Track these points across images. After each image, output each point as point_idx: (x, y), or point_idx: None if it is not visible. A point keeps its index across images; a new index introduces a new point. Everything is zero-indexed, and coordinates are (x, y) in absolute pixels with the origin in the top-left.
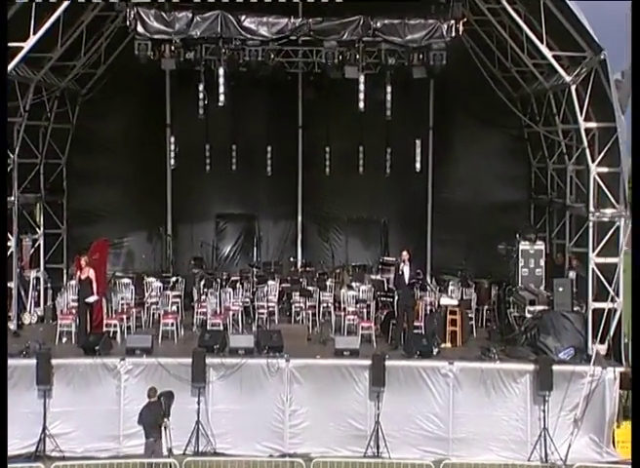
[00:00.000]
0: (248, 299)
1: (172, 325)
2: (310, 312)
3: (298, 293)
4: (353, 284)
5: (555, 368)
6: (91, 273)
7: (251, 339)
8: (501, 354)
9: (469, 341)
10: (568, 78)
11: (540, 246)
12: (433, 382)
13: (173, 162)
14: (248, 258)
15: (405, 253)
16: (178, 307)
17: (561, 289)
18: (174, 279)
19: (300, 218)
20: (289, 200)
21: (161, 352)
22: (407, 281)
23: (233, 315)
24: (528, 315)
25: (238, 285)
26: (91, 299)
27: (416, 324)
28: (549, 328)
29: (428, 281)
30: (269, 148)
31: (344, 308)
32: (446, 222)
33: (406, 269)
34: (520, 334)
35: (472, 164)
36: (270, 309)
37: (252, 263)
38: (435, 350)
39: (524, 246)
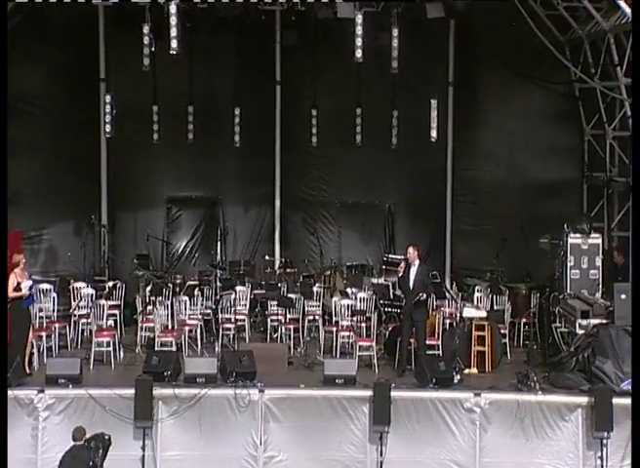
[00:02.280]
0: (209, 311)
1: (107, 345)
2: (292, 327)
3: (275, 303)
4: (348, 290)
5: (616, 401)
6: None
7: (213, 363)
8: (545, 383)
9: (502, 366)
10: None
11: (597, 239)
12: (454, 420)
13: (109, 128)
14: (209, 257)
15: (411, 249)
16: (116, 322)
17: (624, 296)
18: (110, 284)
19: (278, 204)
20: (264, 179)
21: (93, 381)
22: (411, 286)
23: (190, 331)
24: (579, 331)
25: (197, 291)
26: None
27: (431, 342)
28: (608, 348)
29: (447, 286)
30: (237, 111)
31: (337, 322)
32: (471, 209)
33: (413, 272)
34: (569, 357)
35: (505, 131)
36: (239, 324)
37: (215, 263)
38: (457, 377)
39: (574, 239)
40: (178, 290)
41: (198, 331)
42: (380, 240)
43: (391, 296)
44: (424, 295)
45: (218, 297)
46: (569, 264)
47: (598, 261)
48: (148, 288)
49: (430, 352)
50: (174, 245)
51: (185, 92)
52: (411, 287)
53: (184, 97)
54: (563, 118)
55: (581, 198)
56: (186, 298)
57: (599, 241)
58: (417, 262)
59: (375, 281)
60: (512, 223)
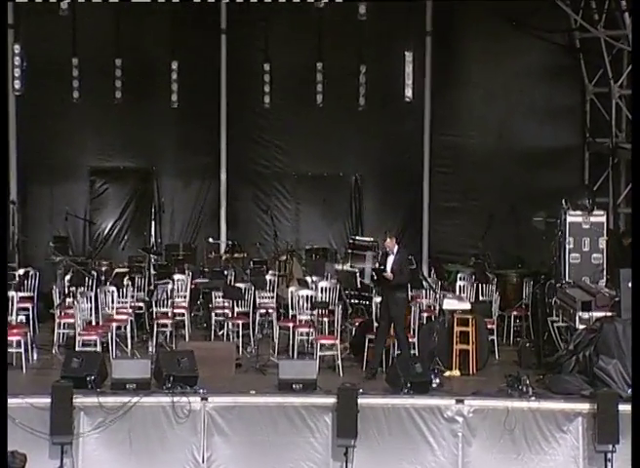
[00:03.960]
0: (142, 304)
1: (18, 345)
2: (240, 323)
3: (221, 294)
4: (308, 278)
5: (623, 408)
6: None
7: (146, 367)
8: (539, 387)
9: (488, 367)
10: None
11: (600, 217)
12: (432, 431)
13: (18, 85)
14: (141, 239)
15: (388, 240)
16: (28, 317)
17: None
18: (21, 272)
19: (223, 177)
20: (206, 147)
21: None
22: (390, 275)
23: (118, 328)
24: (580, 326)
25: (126, 281)
26: None
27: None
28: (613, 346)
29: (425, 273)
30: (175, 65)
31: (294, 316)
32: (452, 182)
33: (390, 261)
34: (568, 356)
35: (494, 90)
36: (178, 319)
37: (148, 247)
38: (435, 381)
39: (574, 217)
40: (103, 278)
41: (128, 327)
42: (346, 219)
43: (358, 286)
44: (390, 274)
45: (152, 288)
46: (568, 247)
47: (602, 243)
48: (67, 276)
49: (405, 352)
50: (98, 225)
51: (111, 42)
52: (390, 277)
53: (110, 47)
54: (561, 74)
55: (583, 168)
56: (114, 289)
57: (603, 219)
58: (395, 249)
59: (339, 267)
60: (501, 199)
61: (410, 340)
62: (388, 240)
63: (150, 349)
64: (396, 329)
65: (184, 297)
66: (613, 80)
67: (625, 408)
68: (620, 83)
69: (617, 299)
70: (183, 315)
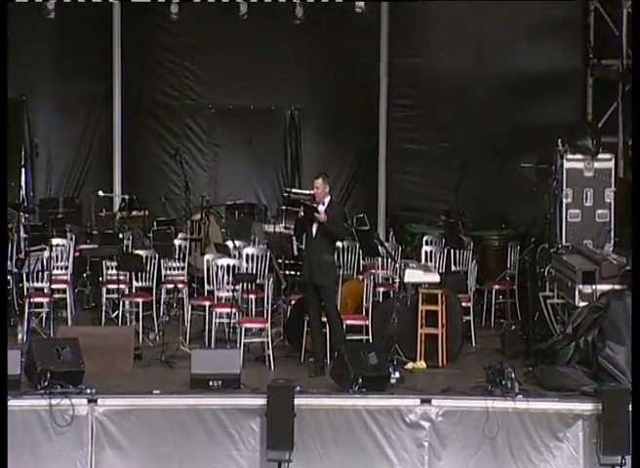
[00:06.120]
0: (9, 278)
1: None
2: (140, 301)
3: (114, 264)
4: (229, 243)
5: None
6: None
7: (15, 360)
8: (528, 382)
9: (463, 357)
10: None
11: (607, 162)
12: (390, 440)
13: None
14: (9, 192)
15: (320, 181)
16: None
17: None
18: None
19: (117, 110)
20: (94, 71)
21: None
22: (314, 234)
23: None
24: (580, 303)
25: None
26: None
27: (355, 322)
28: (623, 329)
29: (381, 235)
30: None
31: (211, 293)
32: (416, 118)
33: (321, 211)
34: (565, 342)
35: None
36: (57, 297)
37: (17, 202)
38: (394, 375)
39: (574, 163)
40: None
41: None
42: (279, 166)
43: (295, 253)
44: (324, 214)
45: (22, 256)
46: (565, 201)
47: (609, 196)
48: None
49: (354, 337)
50: None
51: None
52: (314, 235)
53: None
54: None
55: (584, 99)
56: None
57: (611, 164)
58: (326, 200)
59: (270, 229)
60: (479, 139)
61: (360, 323)
62: (320, 181)
63: (20, 337)
64: (327, 303)
65: (66, 269)
66: None
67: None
68: None
69: (628, 269)
70: (65, 292)
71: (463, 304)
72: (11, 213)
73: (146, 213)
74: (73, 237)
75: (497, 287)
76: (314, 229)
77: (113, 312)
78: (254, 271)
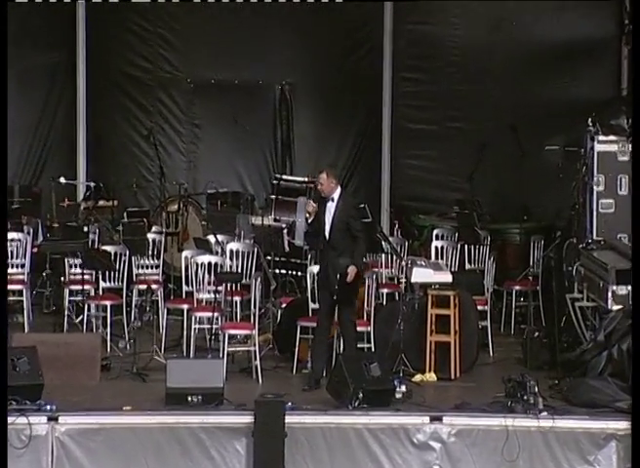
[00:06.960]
0: None
1: None
2: (108, 304)
3: (78, 261)
4: (210, 237)
5: None
6: None
7: None
8: (554, 397)
9: (478, 368)
10: None
11: None
12: (395, 463)
13: None
14: None
15: (324, 175)
16: None
17: None
18: None
19: (81, 83)
20: (55, 38)
21: None
22: (327, 235)
23: None
24: (614, 307)
25: None
26: None
27: (357, 328)
28: None
29: (384, 229)
30: None
31: (190, 294)
32: (425, 93)
33: (330, 210)
34: (596, 351)
35: None
36: (12, 299)
37: None
38: (400, 390)
39: (606, 145)
40: None
41: None
42: (267, 149)
43: (286, 248)
44: (351, 265)
45: None
46: (596, 189)
47: None
48: None
49: (356, 346)
50: None
51: None
52: (327, 236)
53: None
54: None
55: (619, 72)
56: None
57: None
58: (336, 195)
59: (257, 222)
60: (497, 119)
61: (361, 329)
62: (324, 176)
63: None
64: (341, 314)
65: (22, 267)
66: None
67: None
68: None
69: None
70: (21, 294)
71: (479, 308)
72: None
73: (115, 203)
74: (31, 231)
75: (517, 287)
76: (327, 232)
77: (77, 317)
78: (239, 270)
